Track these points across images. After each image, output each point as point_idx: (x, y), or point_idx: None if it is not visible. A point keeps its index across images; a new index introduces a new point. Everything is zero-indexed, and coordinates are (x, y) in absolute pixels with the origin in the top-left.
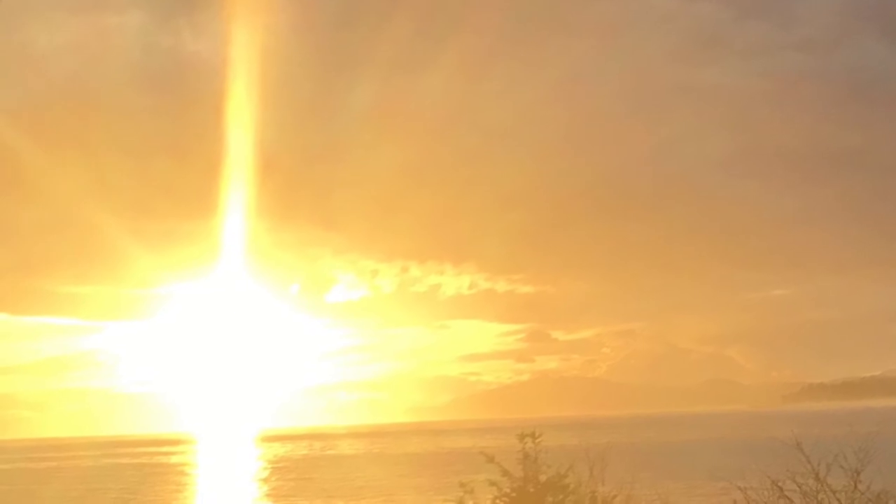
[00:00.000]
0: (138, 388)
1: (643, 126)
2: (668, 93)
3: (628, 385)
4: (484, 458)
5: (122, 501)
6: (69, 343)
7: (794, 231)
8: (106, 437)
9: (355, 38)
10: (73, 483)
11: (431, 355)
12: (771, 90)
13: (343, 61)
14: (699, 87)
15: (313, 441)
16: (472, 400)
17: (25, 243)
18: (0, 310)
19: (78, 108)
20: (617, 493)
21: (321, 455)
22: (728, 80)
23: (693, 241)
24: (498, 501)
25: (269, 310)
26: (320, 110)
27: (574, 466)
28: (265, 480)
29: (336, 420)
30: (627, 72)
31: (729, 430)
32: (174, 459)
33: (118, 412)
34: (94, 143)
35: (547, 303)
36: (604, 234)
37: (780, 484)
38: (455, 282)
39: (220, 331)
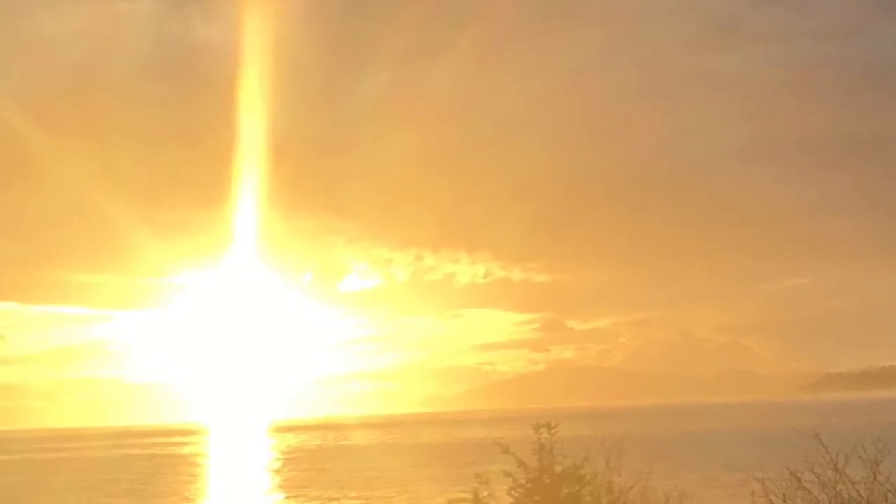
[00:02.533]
0: (149, 378)
1: (658, 115)
2: (683, 81)
3: (645, 374)
4: (499, 449)
5: (134, 492)
6: (80, 332)
7: (811, 220)
8: (117, 428)
9: (368, 26)
10: (83, 474)
11: (445, 345)
12: (787, 78)
13: (356, 49)
14: (714, 76)
15: (326, 431)
16: (486, 390)
17: (36, 232)
18: (10, 299)
19: (87, 96)
20: (633, 484)
21: (334, 446)
22: (744, 68)
23: (709, 229)
24: (513, 492)
25: (282, 299)
26: (333, 98)
27: (590, 457)
28: (278, 471)
29: (349, 410)
30: (642, 60)
31: (746, 421)
32: (186, 450)
33: (129, 402)
34: (104, 132)
35: (562, 292)
36: (619, 222)
37: (798, 475)
38: (470, 270)
39: (231, 320)
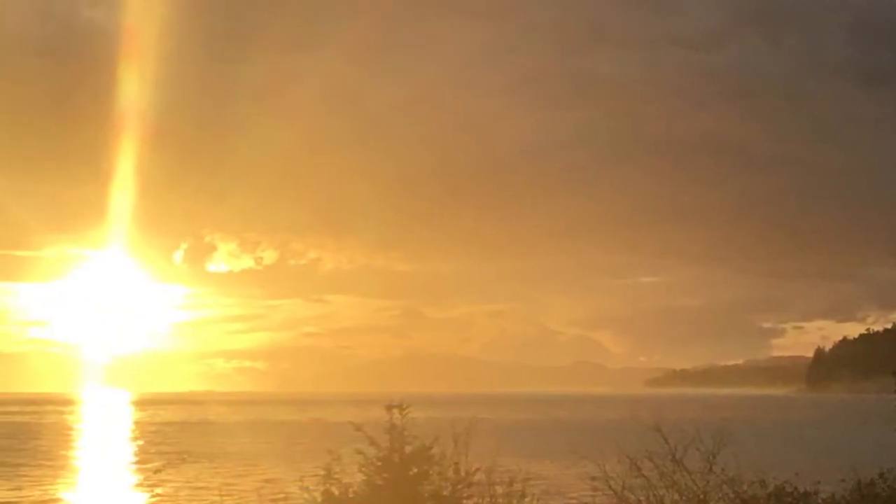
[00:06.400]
0: (16, 349)
1: (530, 113)
2: (560, 82)
3: (497, 364)
4: (352, 428)
5: None
6: None
7: (667, 221)
8: None
9: (252, 15)
10: None
11: (308, 327)
12: (655, 82)
13: (239, 37)
14: (590, 77)
15: (189, 406)
16: (346, 373)
17: None
18: None
19: None
20: (479, 466)
21: (195, 421)
22: (612, 71)
23: (567, 228)
24: (364, 469)
25: (152, 276)
26: (213, 84)
27: (440, 439)
28: (133, 442)
29: (213, 387)
30: (522, 60)
31: (593, 411)
32: (48, 420)
33: None
34: None
35: (422, 281)
36: (481, 217)
37: (638, 463)
38: (335, 257)
39: (103, 295)
